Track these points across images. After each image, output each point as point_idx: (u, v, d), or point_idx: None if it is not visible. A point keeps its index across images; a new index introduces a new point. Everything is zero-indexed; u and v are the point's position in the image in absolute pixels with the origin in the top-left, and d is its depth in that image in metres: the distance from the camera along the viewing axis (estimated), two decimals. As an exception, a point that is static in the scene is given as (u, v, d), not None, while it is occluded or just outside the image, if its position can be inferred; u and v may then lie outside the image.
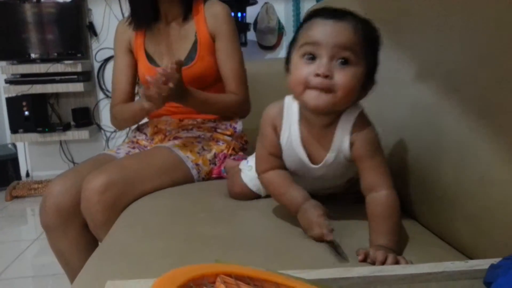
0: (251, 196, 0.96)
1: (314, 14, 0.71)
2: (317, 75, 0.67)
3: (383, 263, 0.61)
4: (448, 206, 0.75)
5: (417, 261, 0.65)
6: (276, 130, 0.79)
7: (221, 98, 1.29)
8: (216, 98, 1.28)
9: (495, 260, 0.49)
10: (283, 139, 0.79)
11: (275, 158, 0.81)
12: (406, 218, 0.87)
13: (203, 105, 1.25)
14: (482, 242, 0.67)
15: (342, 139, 0.74)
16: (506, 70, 0.64)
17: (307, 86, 0.68)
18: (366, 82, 0.72)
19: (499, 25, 0.67)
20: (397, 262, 0.62)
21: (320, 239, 0.69)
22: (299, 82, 0.69)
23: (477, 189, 0.67)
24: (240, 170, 1.00)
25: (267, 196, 0.96)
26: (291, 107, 0.78)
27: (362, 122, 0.74)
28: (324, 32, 0.68)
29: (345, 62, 0.67)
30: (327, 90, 0.67)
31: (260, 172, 0.82)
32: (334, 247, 0.68)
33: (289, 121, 0.78)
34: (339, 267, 0.49)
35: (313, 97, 0.68)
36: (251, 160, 0.99)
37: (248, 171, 0.97)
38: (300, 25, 0.74)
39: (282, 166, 0.81)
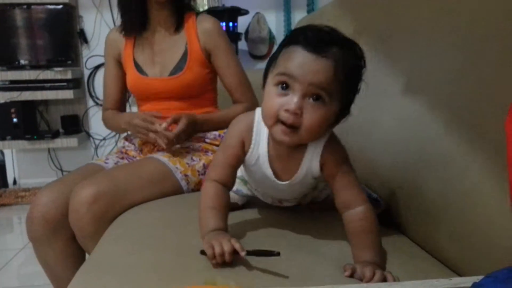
0: None
1: (301, 39, 0.68)
2: (287, 110, 0.66)
3: (371, 279, 0.62)
4: (433, 220, 0.76)
5: (403, 275, 0.66)
6: (244, 146, 0.79)
7: (230, 114, 1.32)
8: (226, 115, 1.32)
9: (477, 278, 0.50)
10: (250, 156, 0.79)
11: (231, 170, 0.80)
12: (393, 231, 0.88)
13: (216, 127, 1.33)
14: (467, 256, 0.68)
15: (311, 160, 0.76)
16: (493, 83, 0.66)
17: (276, 119, 0.68)
18: (340, 115, 0.72)
19: (486, 39, 0.69)
20: (384, 279, 0.63)
21: (222, 254, 0.66)
22: (269, 115, 0.69)
23: (462, 203, 0.69)
24: None
25: (245, 205, 0.98)
26: (261, 123, 0.77)
27: (332, 144, 0.75)
28: (302, 67, 0.66)
29: (317, 99, 0.66)
30: (294, 127, 0.67)
31: (209, 177, 0.80)
32: (257, 252, 0.68)
33: (258, 138, 0.78)
34: (328, 284, 0.50)
35: (280, 133, 0.69)
36: None
37: None
38: (283, 44, 0.71)
39: (232, 179, 0.81)
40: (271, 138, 0.76)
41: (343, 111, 0.72)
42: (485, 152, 0.66)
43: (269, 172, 0.78)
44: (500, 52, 0.66)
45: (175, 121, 1.20)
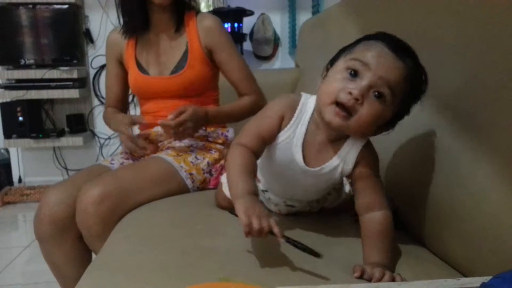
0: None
1: (382, 37, 0.69)
2: (350, 93, 0.67)
3: (380, 280, 0.63)
4: (441, 223, 0.76)
5: (411, 277, 0.66)
6: (282, 122, 0.78)
7: (241, 105, 1.35)
8: (239, 107, 1.34)
9: (486, 279, 0.50)
10: (284, 135, 0.78)
11: (261, 142, 0.78)
12: (401, 234, 0.88)
13: (227, 120, 1.34)
14: (475, 258, 0.68)
15: (348, 154, 0.76)
16: (501, 88, 0.66)
17: (334, 99, 0.68)
18: (385, 125, 0.73)
19: (493, 42, 0.69)
20: (393, 280, 0.63)
21: (260, 231, 0.64)
22: (329, 93, 0.69)
23: (471, 206, 0.69)
24: (221, 183, 1.00)
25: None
26: (305, 106, 0.77)
27: (370, 146, 0.77)
28: (380, 60, 0.67)
29: (380, 96, 0.67)
30: (348, 111, 0.68)
31: (236, 141, 0.78)
32: (296, 244, 0.67)
33: (298, 120, 0.77)
34: (337, 283, 0.50)
35: (333, 113, 0.69)
36: None
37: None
38: (361, 38, 0.72)
39: (259, 153, 0.79)
40: (313, 125, 0.77)
41: (392, 121, 0.73)
42: (493, 154, 0.66)
43: (298, 156, 0.77)
44: (507, 55, 0.66)
45: (181, 113, 1.19)
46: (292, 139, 0.77)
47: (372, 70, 0.66)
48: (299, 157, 0.77)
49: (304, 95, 0.79)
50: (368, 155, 0.76)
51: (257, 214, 0.64)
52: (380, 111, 0.68)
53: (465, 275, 0.70)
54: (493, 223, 0.64)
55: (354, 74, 0.68)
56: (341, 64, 0.71)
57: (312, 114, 0.77)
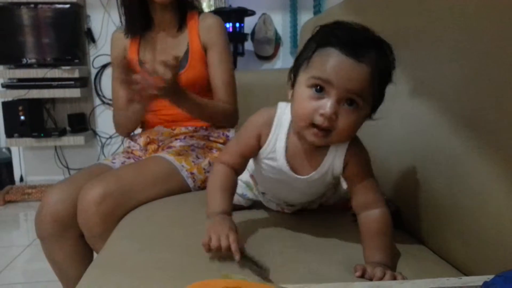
0: (233, 208, 0.97)
1: (336, 41, 0.65)
2: (322, 115, 0.66)
3: (381, 279, 0.63)
4: (443, 223, 0.76)
5: (413, 276, 0.66)
6: (260, 139, 0.79)
7: (215, 104, 1.30)
8: (211, 103, 1.29)
9: (488, 277, 0.50)
10: (265, 152, 0.79)
11: (242, 159, 0.81)
12: (402, 233, 0.88)
13: (197, 108, 1.23)
14: (476, 258, 0.68)
15: (335, 158, 0.75)
16: (501, 87, 0.66)
17: (310, 122, 0.68)
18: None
19: (493, 42, 0.69)
20: (394, 279, 0.63)
21: (218, 249, 0.68)
22: (303, 118, 0.68)
23: (471, 205, 0.69)
24: None
25: (251, 206, 0.98)
26: (281, 118, 0.77)
27: (357, 144, 0.76)
28: (338, 73, 0.64)
29: (352, 103, 0.66)
30: (327, 130, 0.67)
31: (219, 159, 0.82)
32: (251, 261, 0.68)
33: (276, 133, 0.77)
34: (336, 280, 0.50)
35: (312, 135, 0.69)
36: None
37: None
38: (316, 45, 0.68)
39: (241, 168, 0.82)
40: (294, 135, 0.76)
41: (371, 112, 0.72)
42: (493, 153, 0.66)
43: (285, 167, 0.78)
44: (508, 56, 0.66)
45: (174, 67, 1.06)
46: (274, 154, 0.78)
47: (336, 86, 0.65)
48: (286, 168, 0.78)
49: (279, 107, 0.78)
50: (355, 154, 0.75)
51: (219, 233, 0.68)
52: (357, 117, 0.68)
53: (466, 274, 0.70)
54: (494, 222, 0.64)
55: (319, 90, 0.66)
56: (302, 79, 0.69)
57: (290, 125, 0.76)
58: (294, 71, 0.73)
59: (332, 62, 0.65)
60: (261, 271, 0.66)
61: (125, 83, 1.05)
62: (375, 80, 0.66)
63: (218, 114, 1.31)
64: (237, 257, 0.67)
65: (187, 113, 1.25)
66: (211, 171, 0.83)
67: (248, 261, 0.68)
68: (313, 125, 0.68)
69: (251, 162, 0.88)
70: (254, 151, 0.80)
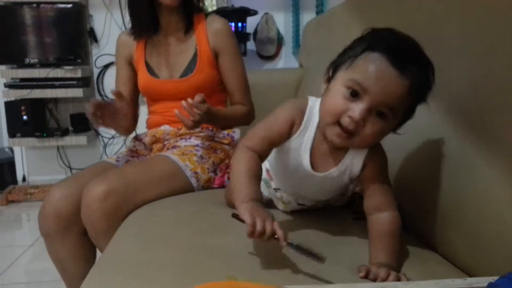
0: None
1: (387, 48, 0.65)
2: (350, 117, 0.66)
3: (385, 280, 0.63)
4: (447, 223, 0.76)
5: (417, 277, 0.66)
6: (292, 128, 0.78)
7: (236, 111, 1.36)
8: (232, 113, 1.35)
9: (493, 278, 0.50)
10: (294, 142, 0.78)
11: (269, 146, 0.78)
12: (406, 234, 0.88)
13: (224, 121, 1.31)
14: (480, 259, 0.68)
15: (354, 158, 0.76)
16: (507, 86, 0.66)
17: (337, 120, 0.68)
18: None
19: (497, 42, 0.69)
20: (398, 280, 0.63)
21: (262, 234, 0.64)
22: (332, 114, 0.69)
23: (476, 207, 0.69)
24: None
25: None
26: (312, 111, 0.77)
27: (378, 147, 0.76)
28: (379, 83, 0.64)
29: (381, 115, 0.67)
30: (351, 133, 0.68)
31: (243, 144, 0.78)
32: (300, 249, 0.66)
33: (307, 126, 0.77)
34: (342, 283, 0.50)
35: (334, 134, 0.69)
36: None
37: None
38: (364, 43, 0.68)
39: (265, 156, 0.79)
40: (319, 131, 0.76)
41: (400, 125, 0.73)
42: (497, 153, 0.66)
43: (306, 161, 0.78)
44: (511, 55, 0.66)
45: (203, 101, 1.13)
46: (301, 145, 0.78)
47: (371, 95, 0.65)
48: (306, 162, 0.78)
49: (310, 99, 0.78)
50: (375, 157, 0.76)
51: (262, 217, 0.64)
52: (383, 128, 0.68)
53: (470, 275, 0.70)
54: (499, 223, 0.64)
55: (354, 94, 0.67)
56: (341, 78, 0.69)
57: (319, 120, 0.77)
58: (334, 67, 0.73)
59: (375, 70, 0.65)
60: (310, 252, 0.64)
61: (96, 117, 1.18)
62: (411, 96, 0.67)
63: (238, 120, 1.37)
64: (284, 243, 0.64)
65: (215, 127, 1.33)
66: (234, 157, 0.78)
67: (293, 246, 0.65)
68: (339, 124, 0.68)
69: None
70: (283, 139, 0.78)
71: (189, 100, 1.10)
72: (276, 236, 0.64)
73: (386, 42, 0.66)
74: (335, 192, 0.87)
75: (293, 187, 0.88)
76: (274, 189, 0.92)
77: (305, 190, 0.86)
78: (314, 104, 0.78)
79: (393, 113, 0.67)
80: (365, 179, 0.77)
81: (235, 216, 0.68)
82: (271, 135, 0.78)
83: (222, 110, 1.32)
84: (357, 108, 0.66)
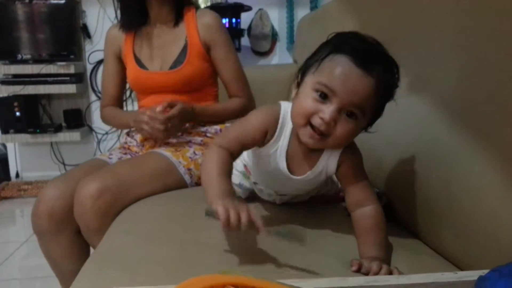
0: None
1: (350, 49, 0.67)
2: (321, 118, 0.67)
3: (377, 274, 0.63)
4: (438, 217, 0.77)
5: (409, 271, 0.67)
6: (265, 136, 0.79)
7: (227, 107, 1.35)
8: (223, 108, 1.34)
9: (483, 272, 0.51)
10: (268, 149, 0.79)
11: (241, 148, 0.79)
12: (397, 227, 0.89)
13: (212, 118, 1.32)
14: (471, 253, 0.69)
15: (329, 159, 0.78)
16: (497, 84, 0.66)
17: (308, 121, 0.69)
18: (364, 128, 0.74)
19: (489, 39, 0.70)
20: (390, 273, 0.64)
21: (237, 226, 0.62)
22: (302, 116, 0.70)
23: (467, 201, 0.69)
24: None
25: (249, 198, 0.98)
26: (286, 118, 0.78)
27: (351, 146, 0.78)
28: (345, 84, 0.66)
29: (351, 115, 0.68)
30: (323, 134, 0.69)
31: (216, 142, 0.78)
32: (280, 234, 0.66)
33: (280, 133, 0.79)
34: (335, 276, 0.51)
35: (307, 135, 0.70)
36: None
37: None
38: (328, 46, 0.70)
39: (237, 156, 0.80)
40: (294, 136, 0.78)
41: (369, 124, 0.74)
42: (489, 150, 0.66)
43: (283, 166, 0.80)
44: (503, 52, 0.66)
45: (171, 106, 1.21)
46: (276, 151, 0.79)
47: (339, 96, 0.66)
48: (283, 166, 0.80)
49: (283, 106, 0.79)
50: (349, 155, 0.77)
51: (236, 209, 0.62)
52: (354, 127, 0.70)
53: (461, 268, 0.71)
54: (489, 217, 0.65)
55: (323, 96, 0.68)
56: (309, 81, 0.70)
57: (293, 127, 0.77)
58: (303, 71, 0.74)
59: (341, 71, 0.67)
60: (290, 234, 0.65)
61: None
62: (378, 94, 0.68)
63: (232, 113, 1.36)
64: (263, 232, 0.62)
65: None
66: (205, 155, 0.79)
67: (271, 232, 0.64)
68: (311, 125, 0.69)
69: (246, 155, 0.90)
70: (255, 144, 0.80)
71: (148, 112, 1.17)
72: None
73: (350, 44, 0.68)
74: (314, 188, 0.89)
75: (272, 185, 0.90)
76: (254, 182, 0.94)
77: (283, 187, 0.87)
78: (286, 110, 0.78)
79: (363, 112, 0.68)
80: (342, 177, 0.79)
81: (209, 214, 0.65)
82: (244, 138, 0.78)
83: (210, 106, 1.33)
84: (327, 110, 0.67)
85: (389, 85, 0.70)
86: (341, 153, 0.77)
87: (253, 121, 0.79)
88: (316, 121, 0.68)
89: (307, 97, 0.69)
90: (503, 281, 0.45)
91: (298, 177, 0.80)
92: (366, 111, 0.69)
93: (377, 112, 0.73)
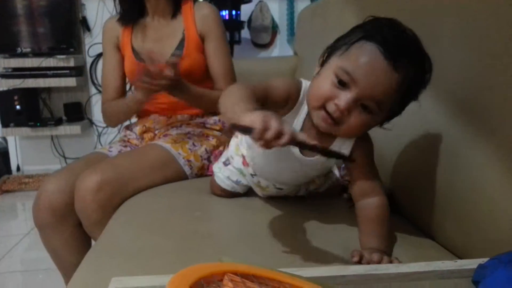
0: (230, 195, 0.97)
1: (383, 39, 0.63)
2: (336, 105, 0.66)
3: (379, 263, 0.63)
4: (439, 208, 0.77)
5: (409, 261, 0.66)
6: (287, 102, 0.75)
7: (215, 94, 1.30)
8: (211, 93, 1.29)
9: (482, 260, 0.51)
10: (287, 118, 0.76)
11: (263, 96, 0.70)
12: (399, 219, 0.89)
13: (198, 99, 1.25)
14: (472, 243, 0.69)
15: (341, 148, 0.76)
16: (498, 74, 0.66)
17: (323, 105, 0.68)
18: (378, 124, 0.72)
19: (490, 30, 0.69)
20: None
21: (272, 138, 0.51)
22: (318, 98, 0.68)
23: (468, 192, 0.69)
24: (213, 172, 1.01)
25: (248, 193, 0.98)
26: (305, 95, 0.75)
27: (364, 136, 0.76)
28: (369, 76, 0.63)
29: (366, 108, 0.66)
30: (335, 121, 0.67)
31: (239, 83, 0.73)
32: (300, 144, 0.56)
33: (298, 109, 0.76)
34: (336, 265, 0.51)
35: (320, 118, 0.69)
36: (221, 159, 1.00)
37: (219, 172, 0.98)
38: (361, 31, 0.67)
39: (258, 103, 0.65)
40: (308, 117, 0.76)
41: (387, 120, 0.72)
42: (491, 140, 0.66)
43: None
44: (503, 43, 0.66)
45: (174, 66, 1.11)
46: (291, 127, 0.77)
47: (359, 87, 0.64)
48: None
49: (304, 83, 0.77)
50: (362, 144, 0.76)
51: (275, 119, 0.52)
52: (368, 121, 0.68)
53: (462, 259, 0.71)
54: (490, 208, 0.65)
55: (342, 83, 0.66)
56: (334, 64, 0.68)
57: None
58: (329, 51, 0.72)
59: (367, 61, 0.64)
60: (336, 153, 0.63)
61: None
62: (401, 91, 0.66)
63: (216, 103, 1.30)
64: (309, 142, 0.54)
65: (186, 103, 1.26)
66: (228, 89, 0.68)
67: (317, 149, 0.57)
68: (325, 109, 0.68)
69: (246, 141, 0.88)
70: (277, 102, 0.73)
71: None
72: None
73: (382, 33, 0.64)
74: (314, 175, 0.88)
75: (271, 171, 0.87)
76: (251, 174, 0.92)
77: (285, 173, 0.85)
78: (306, 89, 0.76)
79: (380, 107, 0.66)
80: (352, 166, 0.77)
81: (235, 127, 0.52)
82: (270, 90, 0.72)
83: (198, 88, 1.24)
84: (343, 97, 0.65)
85: (415, 83, 0.67)
86: (354, 142, 0.76)
87: (279, 82, 0.75)
88: (330, 107, 0.67)
89: (326, 80, 0.67)
90: (502, 268, 0.45)
91: (310, 158, 0.78)
92: (384, 107, 0.67)
93: (397, 109, 0.70)
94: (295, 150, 0.78)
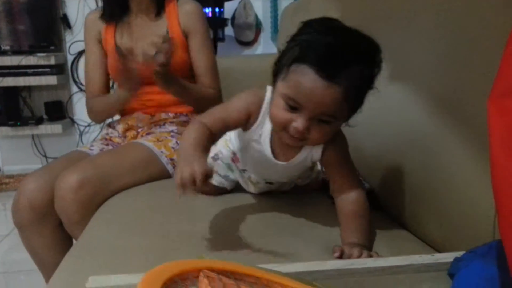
0: (216, 191, 0.97)
1: (314, 59, 0.63)
2: (294, 128, 0.67)
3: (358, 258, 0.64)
4: (418, 203, 0.78)
5: (389, 255, 0.67)
6: (249, 118, 0.78)
7: (200, 89, 1.31)
8: (196, 87, 1.30)
9: (459, 253, 0.52)
10: (254, 132, 0.79)
11: (223, 127, 0.77)
12: (379, 214, 0.89)
13: (184, 91, 1.24)
14: (450, 237, 0.70)
15: (313, 148, 0.77)
16: (475, 70, 0.67)
17: (284, 128, 0.69)
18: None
19: (468, 24, 0.70)
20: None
21: (192, 181, 0.59)
22: (278, 124, 0.70)
23: (446, 187, 0.70)
24: None
25: (234, 190, 0.99)
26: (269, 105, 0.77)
27: (336, 134, 0.76)
28: (311, 98, 0.64)
29: (324, 121, 0.67)
30: (300, 138, 0.69)
31: (199, 119, 0.76)
32: None
33: (265, 118, 0.78)
34: (314, 260, 0.51)
35: (287, 138, 0.71)
36: (210, 154, 1.00)
37: None
38: (295, 44, 0.67)
39: (218, 136, 0.78)
40: None
41: (350, 118, 0.73)
42: (469, 136, 0.67)
43: (268, 152, 0.80)
44: (482, 36, 0.67)
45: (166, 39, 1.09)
46: (260, 137, 0.79)
47: (307, 109, 0.66)
48: (268, 153, 0.80)
49: (269, 91, 0.78)
50: (334, 142, 0.77)
51: (191, 164, 0.61)
52: (329, 129, 0.70)
53: (440, 252, 0.72)
54: (467, 202, 0.66)
55: (293, 108, 0.67)
56: (279, 89, 0.69)
57: None
58: (275, 72, 0.72)
59: (306, 86, 0.64)
60: None
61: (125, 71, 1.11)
62: (350, 98, 0.66)
63: (202, 98, 1.31)
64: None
65: (173, 96, 1.26)
66: (188, 127, 0.75)
67: None
68: (287, 131, 0.69)
69: (235, 139, 0.89)
70: (238, 126, 0.80)
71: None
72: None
73: (315, 50, 0.64)
74: (298, 174, 0.89)
75: (259, 171, 0.89)
76: (242, 170, 0.93)
77: (270, 172, 0.87)
78: (270, 97, 0.76)
79: (335, 116, 0.68)
80: (327, 164, 0.79)
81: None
82: (228, 117, 0.77)
83: (185, 81, 1.25)
84: (299, 120, 0.67)
85: (364, 81, 0.68)
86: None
87: (237, 103, 0.78)
88: (291, 130, 0.68)
89: (279, 107, 0.69)
90: (477, 261, 0.46)
91: (283, 163, 0.80)
92: (339, 114, 0.68)
93: (355, 107, 0.71)
94: (269, 154, 0.80)
